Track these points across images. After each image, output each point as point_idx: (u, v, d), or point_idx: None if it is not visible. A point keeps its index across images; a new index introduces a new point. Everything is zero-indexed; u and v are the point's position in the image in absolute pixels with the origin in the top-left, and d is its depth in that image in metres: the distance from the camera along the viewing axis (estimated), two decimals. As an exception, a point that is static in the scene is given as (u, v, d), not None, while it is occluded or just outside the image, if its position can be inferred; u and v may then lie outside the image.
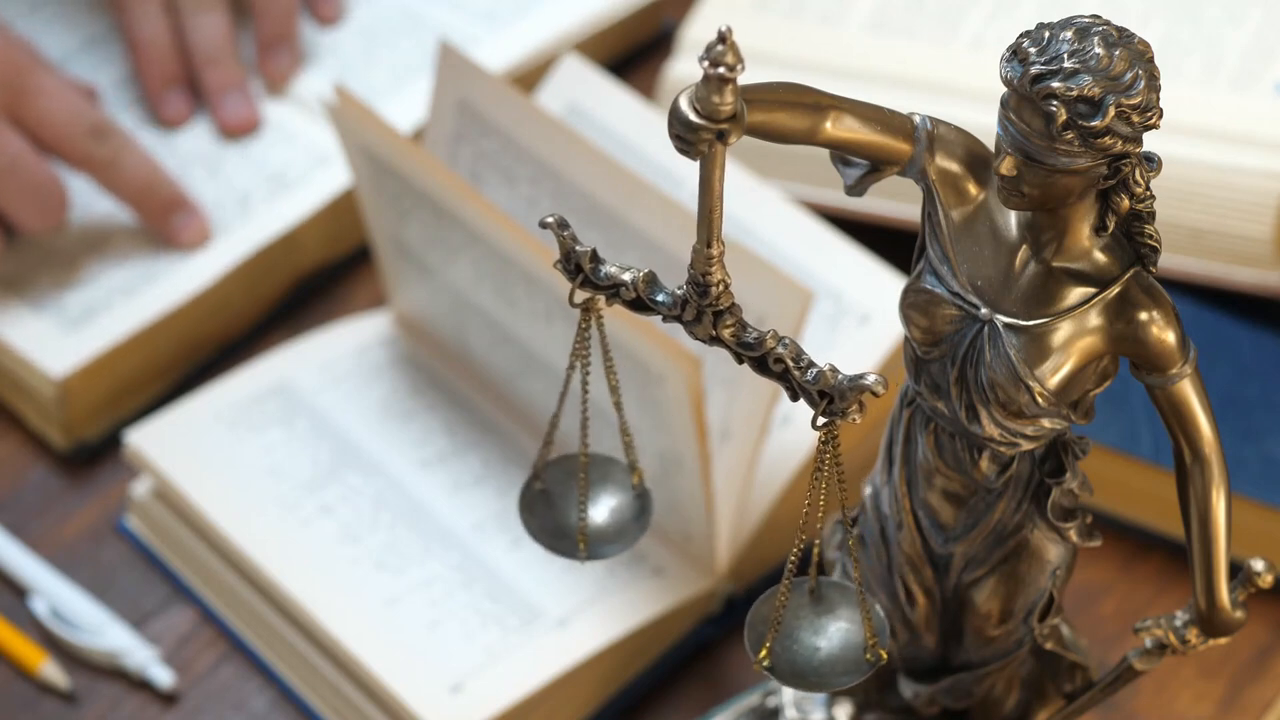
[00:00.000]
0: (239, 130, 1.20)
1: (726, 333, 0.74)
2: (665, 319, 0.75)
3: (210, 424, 1.09)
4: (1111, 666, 0.85)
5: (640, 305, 0.75)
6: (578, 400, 0.81)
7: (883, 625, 0.79)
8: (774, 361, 0.74)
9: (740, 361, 0.75)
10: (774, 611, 0.78)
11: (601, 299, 0.76)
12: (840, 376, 0.73)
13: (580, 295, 0.76)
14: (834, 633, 0.79)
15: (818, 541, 0.79)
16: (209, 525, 1.05)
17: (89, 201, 1.17)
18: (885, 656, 0.79)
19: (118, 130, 1.15)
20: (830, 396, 0.73)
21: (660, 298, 0.75)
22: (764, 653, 0.78)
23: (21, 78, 1.13)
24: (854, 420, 0.73)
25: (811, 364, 0.74)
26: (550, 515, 0.84)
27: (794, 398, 0.75)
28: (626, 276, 0.75)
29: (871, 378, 0.72)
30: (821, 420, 0.74)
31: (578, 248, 0.75)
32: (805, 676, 0.79)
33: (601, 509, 0.84)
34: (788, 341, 0.74)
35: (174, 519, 1.07)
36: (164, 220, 1.15)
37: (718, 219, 0.72)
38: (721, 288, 0.74)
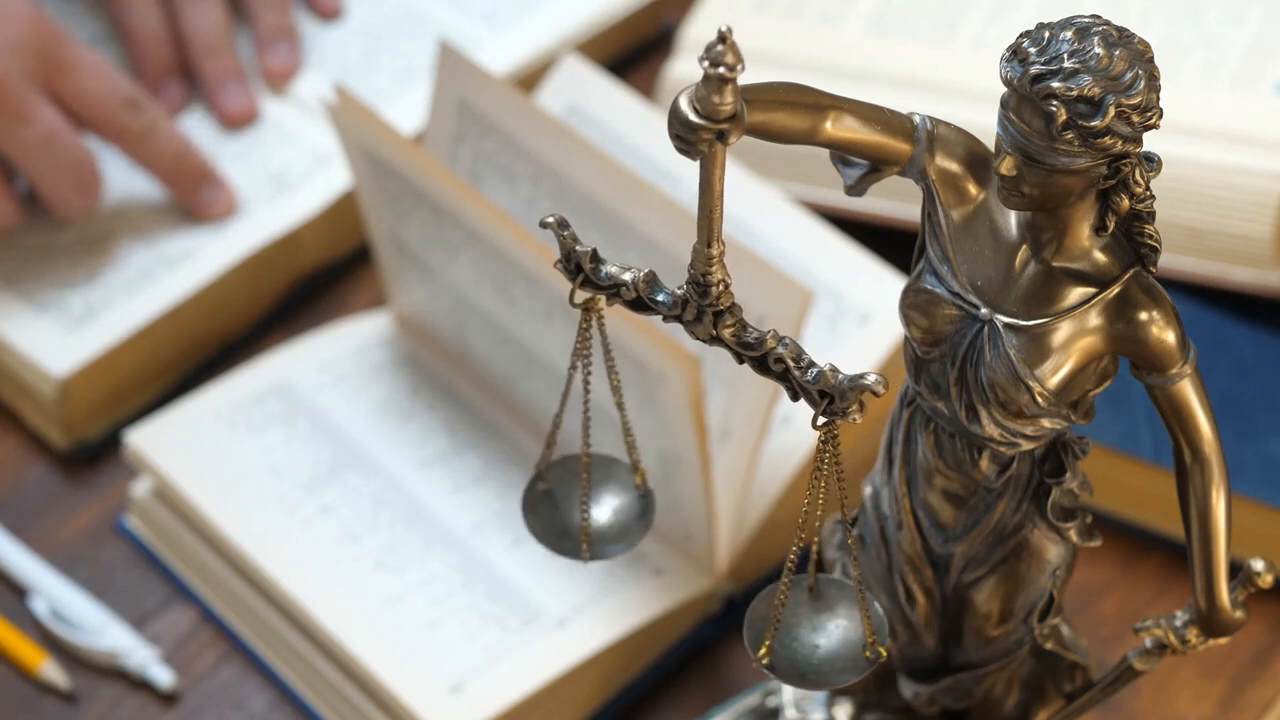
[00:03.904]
0: (239, 120, 1.20)
1: (727, 333, 0.74)
2: (665, 319, 0.75)
3: (210, 424, 1.09)
4: (1111, 666, 0.85)
5: (641, 305, 0.75)
6: (579, 400, 0.81)
7: (882, 623, 0.79)
8: (774, 361, 0.74)
9: (741, 361, 0.75)
10: (773, 609, 0.78)
11: (602, 299, 0.76)
12: (841, 376, 0.73)
13: (581, 295, 0.76)
14: (833, 630, 0.79)
15: (816, 539, 0.79)
16: (209, 525, 1.05)
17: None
18: (885, 654, 0.78)
19: (150, 103, 1.15)
20: (831, 396, 0.73)
21: (661, 298, 0.75)
22: (764, 650, 0.78)
23: (56, 51, 1.11)
24: (854, 420, 0.73)
25: (812, 364, 0.74)
26: (553, 516, 0.83)
27: (794, 398, 0.75)
28: (627, 276, 0.75)
29: (872, 378, 0.72)
30: (821, 420, 0.74)
31: (578, 248, 0.75)
32: (805, 674, 0.79)
33: (604, 509, 0.84)
34: (788, 341, 0.74)
35: (174, 519, 1.07)
36: (194, 194, 1.15)
37: (718, 219, 0.72)
38: (722, 288, 0.73)
